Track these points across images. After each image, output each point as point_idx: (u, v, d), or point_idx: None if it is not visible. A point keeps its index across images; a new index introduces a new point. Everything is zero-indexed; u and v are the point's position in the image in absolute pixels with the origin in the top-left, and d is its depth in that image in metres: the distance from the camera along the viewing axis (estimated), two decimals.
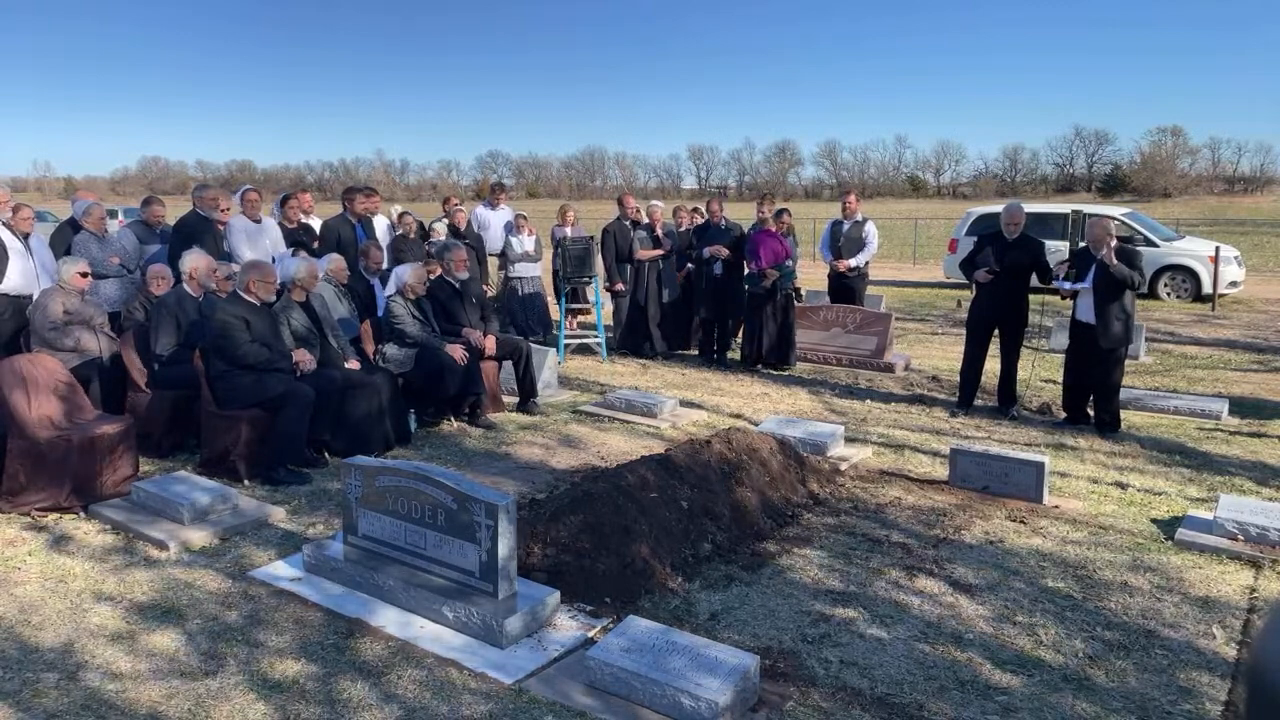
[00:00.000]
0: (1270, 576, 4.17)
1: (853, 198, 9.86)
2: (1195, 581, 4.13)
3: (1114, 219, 6.70)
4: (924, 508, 5.06)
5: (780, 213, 9.21)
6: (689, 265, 9.76)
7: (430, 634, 3.56)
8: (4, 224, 6.69)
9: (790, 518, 4.86)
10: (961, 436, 6.51)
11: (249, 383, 5.48)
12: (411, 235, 9.13)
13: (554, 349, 8.32)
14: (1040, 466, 5.15)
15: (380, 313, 7.33)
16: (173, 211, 9.02)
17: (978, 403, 7.32)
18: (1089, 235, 6.55)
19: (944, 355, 9.76)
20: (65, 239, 7.37)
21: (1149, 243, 14.34)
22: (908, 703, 3.12)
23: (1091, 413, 6.69)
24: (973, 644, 3.53)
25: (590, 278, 9.59)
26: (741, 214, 10.20)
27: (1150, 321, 11.74)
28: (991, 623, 3.71)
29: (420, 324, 6.80)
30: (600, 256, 9.79)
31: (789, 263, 8.83)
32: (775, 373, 8.89)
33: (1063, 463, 5.87)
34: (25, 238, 6.80)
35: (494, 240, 10.44)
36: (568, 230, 10.16)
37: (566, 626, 3.63)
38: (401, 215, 9.55)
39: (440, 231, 9.77)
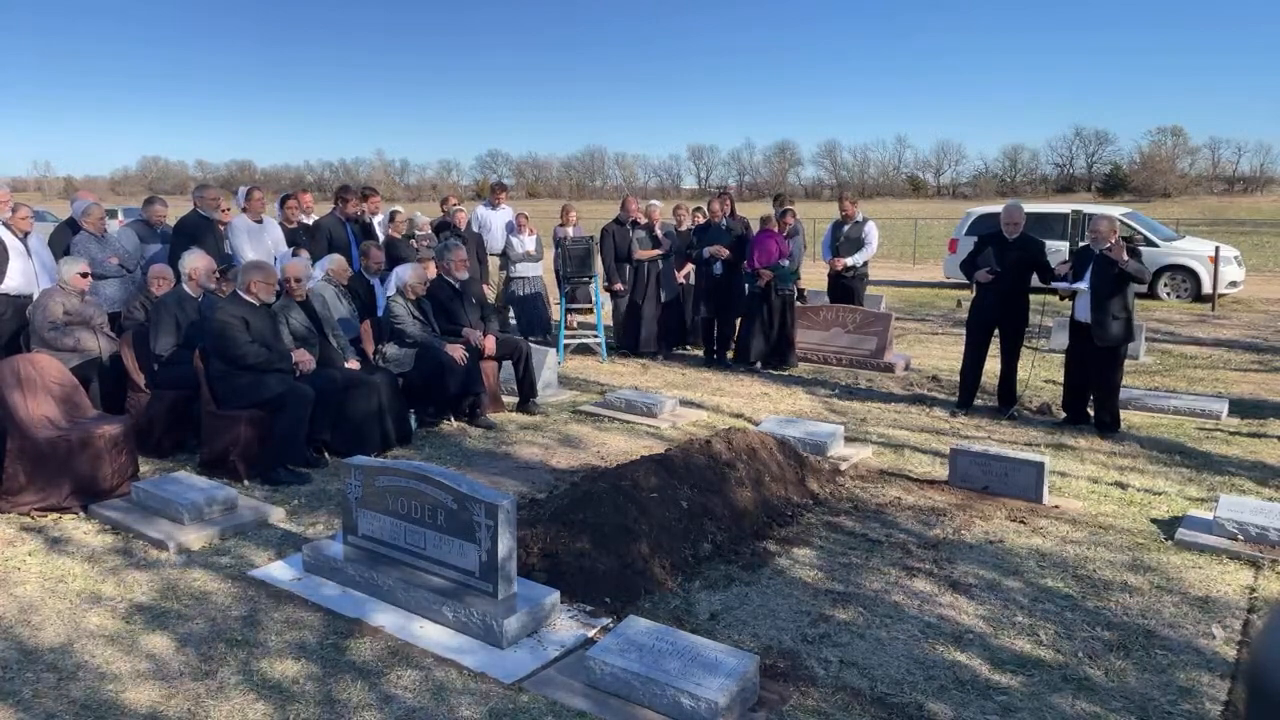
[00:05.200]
0: (1270, 576, 4.17)
1: (848, 202, 9.90)
2: (1195, 581, 4.12)
3: (1115, 219, 6.69)
4: (924, 508, 5.06)
5: (783, 213, 9.22)
6: (689, 264, 9.76)
7: (430, 634, 3.56)
8: (3, 224, 6.69)
9: (790, 518, 4.86)
10: (961, 436, 6.51)
11: (248, 383, 5.48)
12: (400, 235, 9.12)
13: (554, 349, 8.32)
14: (1040, 466, 5.15)
15: (380, 313, 7.33)
16: (173, 211, 9.01)
17: (978, 403, 7.32)
18: (1093, 230, 6.54)
19: (944, 355, 9.75)
20: (64, 239, 7.36)
21: (1149, 243, 14.35)
22: (908, 703, 3.12)
23: (1091, 413, 6.69)
24: (972, 644, 3.53)
25: (591, 277, 9.59)
26: (744, 214, 10.19)
27: (1150, 321, 11.74)
28: (991, 622, 3.71)
29: (420, 324, 6.80)
30: (599, 256, 9.80)
31: (784, 263, 8.80)
32: (775, 373, 8.89)
33: (1063, 463, 5.86)
34: (24, 237, 6.80)
35: (495, 240, 10.44)
36: (569, 230, 10.16)
37: (566, 626, 3.63)
38: (393, 215, 9.55)
39: (421, 224, 9.82)
